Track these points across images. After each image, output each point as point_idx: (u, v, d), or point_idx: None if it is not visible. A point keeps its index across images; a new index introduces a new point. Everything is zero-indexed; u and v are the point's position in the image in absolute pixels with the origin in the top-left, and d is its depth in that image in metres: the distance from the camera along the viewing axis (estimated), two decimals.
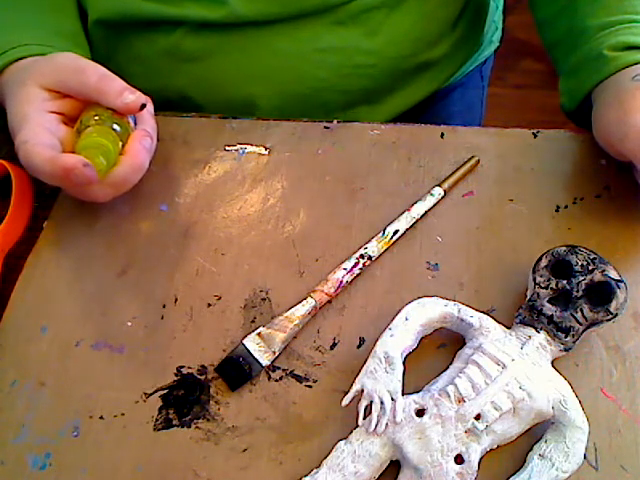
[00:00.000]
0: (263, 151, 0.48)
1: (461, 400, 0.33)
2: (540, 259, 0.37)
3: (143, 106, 0.41)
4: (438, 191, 0.44)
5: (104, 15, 0.53)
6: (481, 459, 0.33)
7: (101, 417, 0.36)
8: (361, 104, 0.58)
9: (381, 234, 0.42)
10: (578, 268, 0.36)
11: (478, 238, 0.42)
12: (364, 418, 0.34)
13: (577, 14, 0.47)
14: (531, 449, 0.33)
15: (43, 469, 0.35)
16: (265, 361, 0.37)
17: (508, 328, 0.36)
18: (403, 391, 0.34)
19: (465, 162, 0.45)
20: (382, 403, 0.33)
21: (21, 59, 0.44)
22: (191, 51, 0.53)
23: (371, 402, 0.34)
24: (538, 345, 0.34)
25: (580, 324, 0.35)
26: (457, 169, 0.45)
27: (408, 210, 0.43)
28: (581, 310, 0.35)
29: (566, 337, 0.35)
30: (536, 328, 0.35)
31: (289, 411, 0.36)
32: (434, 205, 0.44)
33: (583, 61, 0.45)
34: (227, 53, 0.52)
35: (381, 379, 0.34)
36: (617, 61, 0.42)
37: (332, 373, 0.37)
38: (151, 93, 0.44)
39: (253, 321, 0.39)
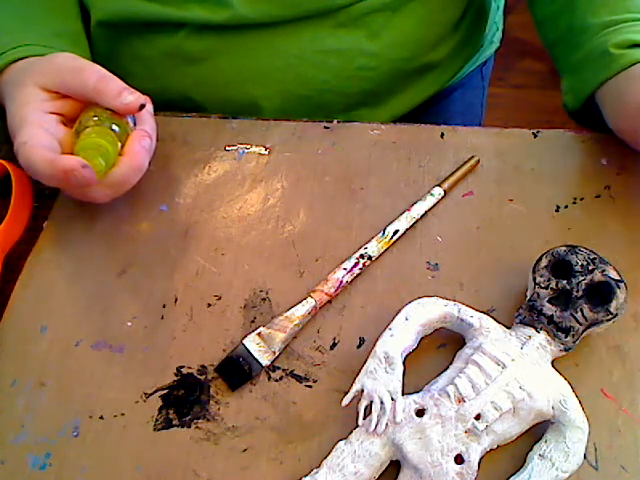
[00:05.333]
0: (263, 151, 0.48)
1: (461, 400, 0.33)
2: (540, 259, 0.37)
3: (142, 106, 0.41)
4: (438, 191, 0.44)
5: (107, 16, 0.53)
6: (481, 459, 0.33)
7: (101, 417, 0.36)
8: (362, 106, 0.58)
9: (381, 234, 0.42)
10: (578, 268, 0.36)
11: (478, 238, 0.42)
12: (364, 418, 0.34)
13: (577, 12, 0.47)
14: (531, 449, 0.33)
15: (43, 469, 0.35)
16: (265, 361, 0.37)
17: (508, 328, 0.36)
18: (403, 391, 0.34)
19: (465, 162, 0.45)
20: (382, 403, 0.33)
21: (21, 59, 0.44)
22: (193, 52, 0.53)
23: (371, 402, 0.34)
24: (538, 345, 0.34)
25: (580, 324, 0.35)
26: (457, 169, 0.45)
27: (408, 210, 0.43)
28: (581, 310, 0.35)
29: (566, 337, 0.35)
30: (536, 328, 0.35)
31: (289, 411, 0.36)
32: (434, 205, 0.44)
33: (587, 59, 0.45)
34: (229, 54, 0.52)
35: (381, 379, 0.34)
36: (624, 59, 0.42)
37: (332, 373, 0.37)
38: (153, 94, 0.44)
39: (253, 321, 0.39)
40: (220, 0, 0.48)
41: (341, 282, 0.40)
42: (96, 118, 0.40)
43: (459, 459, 0.32)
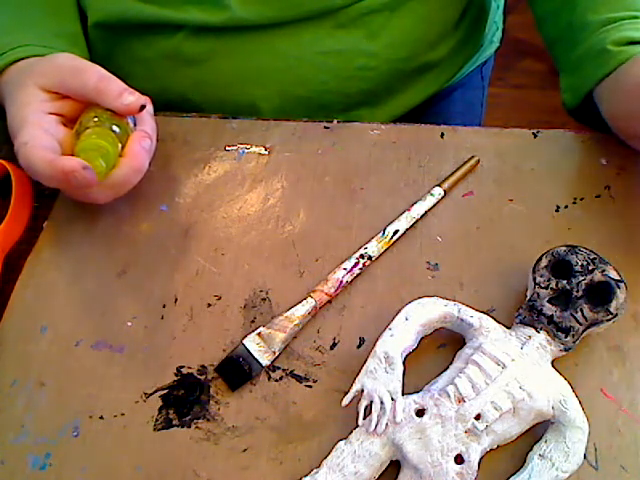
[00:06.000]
0: (263, 151, 0.48)
1: (461, 400, 0.33)
2: (540, 259, 0.37)
3: (142, 107, 0.41)
4: (438, 191, 0.44)
5: (104, 18, 0.53)
6: (481, 459, 0.33)
7: (101, 417, 0.36)
8: (362, 106, 0.58)
9: (381, 234, 0.42)
10: (578, 268, 0.36)
11: (478, 238, 0.42)
12: (364, 418, 0.34)
13: (577, 10, 0.47)
14: (531, 449, 0.33)
15: (43, 469, 0.35)
16: (265, 361, 0.37)
17: (508, 328, 0.36)
18: (403, 391, 0.34)
19: (465, 162, 0.45)
20: (382, 403, 0.33)
21: (21, 60, 0.44)
22: (192, 54, 0.53)
23: (371, 402, 0.34)
24: (538, 345, 0.34)
25: (580, 324, 0.35)
26: (457, 169, 0.45)
27: (408, 210, 0.43)
28: (581, 310, 0.35)
29: (566, 337, 0.35)
30: (536, 328, 0.35)
31: (289, 411, 0.36)
32: (434, 205, 0.44)
33: (585, 57, 0.45)
34: (228, 56, 0.52)
35: (381, 379, 0.34)
36: (621, 55, 0.42)
37: (332, 373, 0.37)
38: (151, 95, 0.44)
39: (253, 321, 0.39)
40: (218, 2, 0.48)
41: (341, 282, 0.40)
42: (96, 119, 0.40)
43: (459, 459, 0.32)
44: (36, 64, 0.43)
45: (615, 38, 0.43)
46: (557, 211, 0.43)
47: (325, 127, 0.49)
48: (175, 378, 0.38)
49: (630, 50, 0.42)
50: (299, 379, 0.37)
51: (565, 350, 0.35)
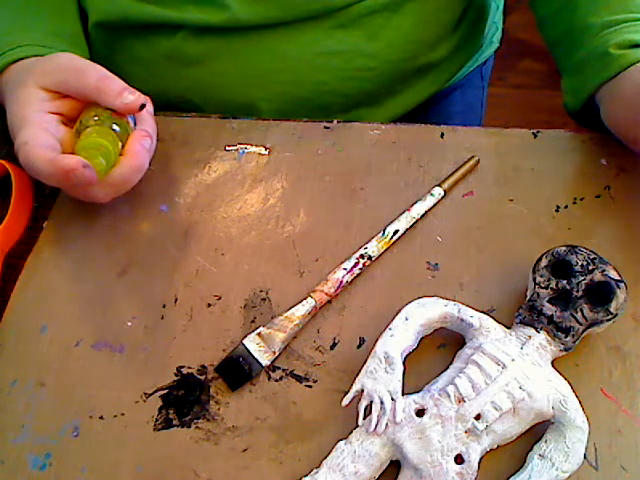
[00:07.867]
0: (263, 151, 0.48)
1: (461, 400, 0.33)
2: (540, 259, 0.37)
3: (142, 106, 0.41)
4: (438, 191, 0.44)
5: (104, 17, 0.53)
6: (481, 459, 0.33)
7: (101, 417, 0.36)
8: (361, 107, 0.58)
9: (381, 234, 0.42)
10: (578, 268, 0.36)
11: (478, 238, 0.42)
12: (364, 418, 0.34)
13: (577, 12, 0.47)
14: (531, 449, 0.33)
15: (43, 469, 0.35)
16: (265, 361, 0.37)
17: (508, 328, 0.36)
18: (403, 391, 0.34)
19: (465, 162, 0.45)
20: (382, 403, 0.33)
21: (21, 60, 0.44)
22: (192, 55, 0.53)
23: (371, 402, 0.34)
24: (538, 345, 0.34)
25: (580, 324, 0.35)
26: (457, 169, 0.45)
27: (408, 210, 0.43)
28: (581, 310, 0.35)
29: (566, 337, 0.35)
30: (536, 328, 0.35)
31: (289, 411, 0.36)
32: (434, 205, 0.44)
33: (587, 59, 0.45)
34: (228, 57, 0.52)
35: (381, 379, 0.34)
36: (624, 59, 0.42)
37: (332, 373, 0.37)
38: (151, 95, 0.44)
39: (253, 321, 0.39)
40: (218, 2, 0.48)
41: (341, 282, 0.40)
42: (97, 118, 0.40)
43: (459, 459, 0.32)
44: (36, 64, 0.43)
45: (617, 41, 0.43)
46: (557, 211, 0.43)
47: (325, 127, 0.49)
48: (175, 378, 0.38)
49: (632, 53, 0.42)
50: (299, 379, 0.37)
51: (565, 350, 0.35)
